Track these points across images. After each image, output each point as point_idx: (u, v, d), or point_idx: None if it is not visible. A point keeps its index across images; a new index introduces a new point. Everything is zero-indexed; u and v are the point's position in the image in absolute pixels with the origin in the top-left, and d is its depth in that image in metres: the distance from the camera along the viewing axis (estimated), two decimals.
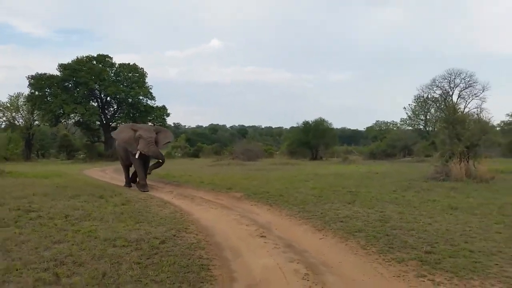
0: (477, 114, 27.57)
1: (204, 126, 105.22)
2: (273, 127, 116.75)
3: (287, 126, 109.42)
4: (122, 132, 14.77)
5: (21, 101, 48.05)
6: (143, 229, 6.71)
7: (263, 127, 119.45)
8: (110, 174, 22.95)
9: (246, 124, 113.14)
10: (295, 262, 5.21)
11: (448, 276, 4.54)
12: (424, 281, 4.44)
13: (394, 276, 4.63)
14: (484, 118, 21.55)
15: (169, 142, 16.58)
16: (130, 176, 15.01)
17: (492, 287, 4.24)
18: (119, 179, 18.52)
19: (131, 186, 14.36)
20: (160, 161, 14.07)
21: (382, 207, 8.95)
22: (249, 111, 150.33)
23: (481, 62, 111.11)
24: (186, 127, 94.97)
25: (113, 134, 15.58)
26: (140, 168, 13.77)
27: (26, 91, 40.12)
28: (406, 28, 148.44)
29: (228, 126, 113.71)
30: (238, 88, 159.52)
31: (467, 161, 16.31)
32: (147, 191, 12.71)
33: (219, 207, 9.60)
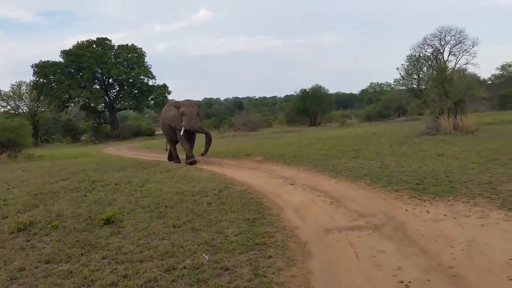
0: (463, 72, 29.42)
1: (198, 100, 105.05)
2: (267, 96, 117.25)
3: (281, 95, 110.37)
4: (167, 110, 15.39)
5: (23, 89, 49.41)
6: (198, 185, 8.63)
7: (257, 97, 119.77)
8: (126, 151, 24.71)
9: (240, 96, 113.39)
10: (321, 196, 7.16)
11: (431, 196, 6.47)
12: (414, 200, 6.38)
13: (393, 199, 6.58)
14: (469, 75, 23.39)
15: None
16: (170, 152, 15.49)
17: (461, 200, 6.16)
18: (140, 154, 20.42)
19: (180, 162, 14.55)
20: (206, 136, 14.32)
21: (381, 158, 10.87)
22: (242, 82, 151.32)
23: (476, 14, 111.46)
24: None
25: (161, 114, 16.35)
26: (185, 143, 14.19)
27: (22, 78, 41.33)
28: None
29: (222, 99, 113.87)
30: (229, 59, 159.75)
31: (455, 116, 18.21)
32: (196, 162, 13.42)
33: (246, 169, 11.50)
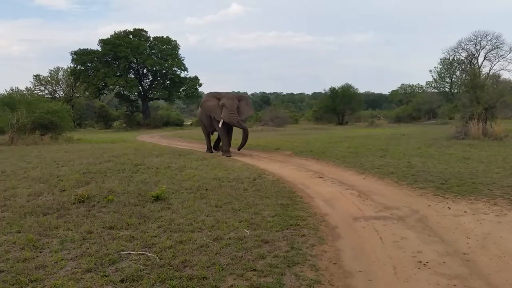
0: (496, 78, 29.02)
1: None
2: (294, 93, 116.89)
3: (308, 92, 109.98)
4: (207, 101, 15.06)
5: (61, 74, 51.43)
6: (233, 173, 9.28)
7: (284, 93, 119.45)
8: (160, 139, 25.62)
9: (267, 91, 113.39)
10: (349, 190, 7.68)
11: (454, 195, 6.90)
12: (437, 197, 6.82)
13: (418, 195, 7.04)
14: (503, 82, 23.14)
15: (250, 113, 16.95)
16: (213, 143, 15.63)
17: (481, 199, 6.56)
18: (173, 143, 21.27)
19: (212, 152, 14.88)
20: (244, 132, 14.21)
21: (409, 158, 11.25)
22: (270, 77, 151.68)
23: None
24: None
25: (200, 103, 16.05)
26: (223, 135, 14.25)
27: (56, 63, 42.87)
28: None
29: (249, 93, 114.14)
30: (258, 54, 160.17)
31: (485, 122, 18.26)
32: (230, 156, 13.34)
33: (277, 162, 12.08)
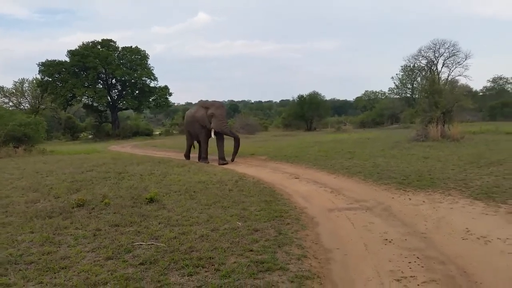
0: (452, 84, 31.06)
1: (193, 102, 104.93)
2: (262, 101, 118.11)
3: (276, 99, 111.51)
4: (196, 110, 15.07)
5: (26, 86, 50.55)
6: (215, 177, 9.97)
7: (252, 101, 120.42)
8: (133, 149, 25.85)
9: (236, 99, 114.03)
10: (322, 187, 8.54)
11: (414, 188, 7.87)
12: (399, 190, 7.77)
13: (382, 190, 7.97)
14: (459, 87, 24.96)
15: None
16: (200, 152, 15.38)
17: (438, 191, 7.55)
18: (149, 152, 21.63)
19: (207, 162, 14.40)
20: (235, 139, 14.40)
21: (374, 159, 12.27)
22: (238, 85, 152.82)
23: (472, 27, 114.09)
24: (176, 104, 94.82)
25: (187, 113, 16.10)
26: (205, 145, 14.52)
27: (24, 75, 42.24)
28: None
29: None
30: (226, 63, 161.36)
31: (443, 125, 19.73)
32: (226, 163, 13.49)
33: (253, 166, 12.84)
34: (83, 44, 42.42)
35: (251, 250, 4.47)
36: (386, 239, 4.96)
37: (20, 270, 4.14)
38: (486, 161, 11.04)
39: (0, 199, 7.92)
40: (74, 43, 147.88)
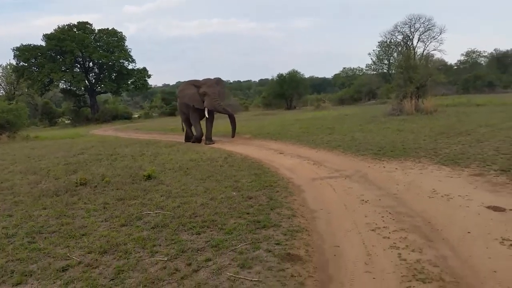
0: (426, 59, 32.05)
1: (171, 84, 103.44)
2: (241, 80, 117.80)
3: (255, 79, 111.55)
4: (185, 89, 14.74)
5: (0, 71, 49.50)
6: (204, 155, 10.56)
7: (231, 81, 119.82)
8: (116, 132, 26.05)
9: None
10: (306, 160, 9.26)
11: (388, 158, 8.66)
12: (375, 160, 8.55)
13: (360, 160, 8.74)
14: (432, 62, 25.90)
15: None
16: (187, 132, 15.45)
17: (409, 159, 8.35)
18: (133, 135, 21.97)
19: (200, 142, 14.53)
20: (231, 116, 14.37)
21: (352, 134, 13.05)
22: (216, 65, 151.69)
23: (448, 2, 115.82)
24: (153, 86, 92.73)
25: (177, 92, 15.60)
26: (197, 124, 14.22)
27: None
28: None
29: None
30: (202, 42, 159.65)
31: (417, 99, 20.68)
32: (213, 143, 13.54)
33: (239, 144, 13.44)
34: (58, 27, 41.69)
35: (248, 213, 5.14)
36: (363, 200, 5.71)
37: (45, 238, 4.70)
38: (455, 131, 11.96)
39: (2, 182, 8.35)
40: (43, 27, 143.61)
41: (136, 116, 51.76)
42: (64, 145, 15.70)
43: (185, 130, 15.87)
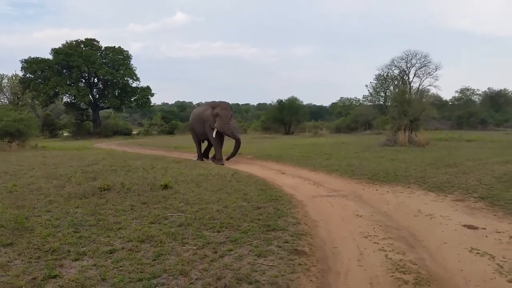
0: (421, 94, 33.44)
1: (170, 103, 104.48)
2: (240, 103, 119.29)
3: (254, 102, 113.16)
4: (204, 109, 15.63)
5: (5, 82, 50.51)
6: (212, 171, 11.43)
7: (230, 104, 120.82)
8: (119, 147, 26.88)
9: (211, 100, 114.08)
10: (306, 181, 10.15)
11: (381, 182, 9.57)
12: (369, 184, 9.46)
13: (355, 183, 9.65)
14: (426, 98, 27.20)
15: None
16: (202, 151, 16.33)
17: (400, 185, 9.26)
18: (137, 150, 22.81)
19: (203, 160, 15.54)
20: (236, 142, 14.97)
21: (349, 160, 13.99)
22: (215, 87, 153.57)
23: (443, 39, 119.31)
24: (152, 104, 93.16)
25: (193, 112, 16.56)
26: (216, 144, 14.77)
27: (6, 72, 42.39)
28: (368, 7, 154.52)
29: (194, 103, 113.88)
30: (203, 64, 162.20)
31: (410, 132, 21.76)
32: (223, 164, 13.94)
33: (242, 163, 14.34)
34: (66, 42, 43.08)
35: (258, 219, 6.00)
36: (357, 215, 6.59)
37: (87, 229, 5.53)
38: (444, 163, 12.91)
39: (29, 184, 9.15)
40: (45, 39, 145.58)
41: (135, 132, 52.64)
42: (75, 156, 16.50)
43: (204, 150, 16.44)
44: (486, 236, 5.53)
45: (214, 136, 14.86)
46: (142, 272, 4.00)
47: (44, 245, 4.83)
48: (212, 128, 14.84)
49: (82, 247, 4.79)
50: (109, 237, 5.19)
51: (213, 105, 15.29)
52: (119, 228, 5.56)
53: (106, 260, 4.36)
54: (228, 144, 15.86)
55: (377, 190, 8.83)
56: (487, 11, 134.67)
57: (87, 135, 44.63)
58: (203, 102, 15.59)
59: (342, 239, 5.36)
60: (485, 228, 5.89)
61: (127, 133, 48.62)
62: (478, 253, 4.86)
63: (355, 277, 4.13)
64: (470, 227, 6.01)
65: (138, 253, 4.57)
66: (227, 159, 15.02)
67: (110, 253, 4.59)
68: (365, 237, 5.44)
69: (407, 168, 11.89)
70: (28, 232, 5.33)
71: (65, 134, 49.45)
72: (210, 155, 16.03)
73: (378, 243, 5.20)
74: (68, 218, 6.09)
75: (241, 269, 4.10)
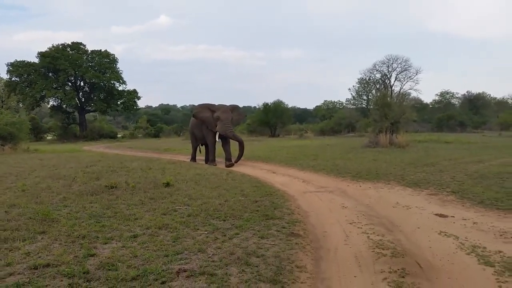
0: (401, 97, 34.77)
1: (153, 106, 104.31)
2: None
3: (240, 105, 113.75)
4: (201, 112, 15.64)
5: None
6: (208, 170, 12.19)
7: None
8: (108, 150, 27.40)
9: (197, 104, 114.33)
10: (296, 179, 11.02)
11: (364, 180, 10.50)
12: (353, 181, 10.39)
13: (341, 181, 10.56)
14: (406, 101, 28.48)
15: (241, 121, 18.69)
16: (204, 155, 16.69)
17: (381, 181, 10.19)
18: (128, 152, 23.38)
19: (195, 162, 15.95)
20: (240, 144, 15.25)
21: (334, 160, 14.93)
22: (199, 90, 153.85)
23: (426, 43, 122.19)
24: (135, 107, 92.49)
25: (193, 114, 16.44)
26: (212, 147, 15.31)
27: None
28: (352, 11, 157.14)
29: (179, 106, 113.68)
30: (187, 67, 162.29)
31: (391, 134, 22.88)
32: (215, 165, 14.50)
33: (235, 165, 15.11)
34: (53, 46, 43.29)
35: (257, 210, 6.83)
36: (343, 206, 7.48)
37: (107, 219, 6.26)
38: (422, 163, 13.94)
39: (37, 184, 9.77)
40: (26, 41, 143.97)
41: (120, 135, 52.77)
42: (70, 158, 17.04)
43: (201, 151, 17.02)
44: (454, 223, 6.47)
45: (217, 139, 15.13)
46: (166, 250, 4.77)
47: (73, 232, 5.54)
48: (212, 130, 15.18)
49: (107, 233, 5.52)
50: (129, 225, 5.93)
51: (212, 107, 15.60)
52: (135, 219, 6.30)
53: (132, 243, 5.11)
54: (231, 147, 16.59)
55: (360, 186, 9.74)
56: (468, 16, 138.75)
57: (73, 138, 44.79)
58: (195, 104, 16.02)
59: (331, 225, 6.22)
60: (453, 216, 6.84)
61: (112, 136, 48.91)
62: (445, 235, 5.77)
63: (342, 252, 4.98)
64: (441, 215, 6.95)
65: (158, 237, 5.33)
66: (236, 161, 15.15)
67: (134, 237, 5.34)
68: (350, 223, 6.31)
69: (388, 167, 12.86)
70: (55, 222, 6.03)
71: (49, 137, 49.46)
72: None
73: (361, 228, 6.08)
74: (87, 211, 6.79)
75: (248, 247, 4.91)
